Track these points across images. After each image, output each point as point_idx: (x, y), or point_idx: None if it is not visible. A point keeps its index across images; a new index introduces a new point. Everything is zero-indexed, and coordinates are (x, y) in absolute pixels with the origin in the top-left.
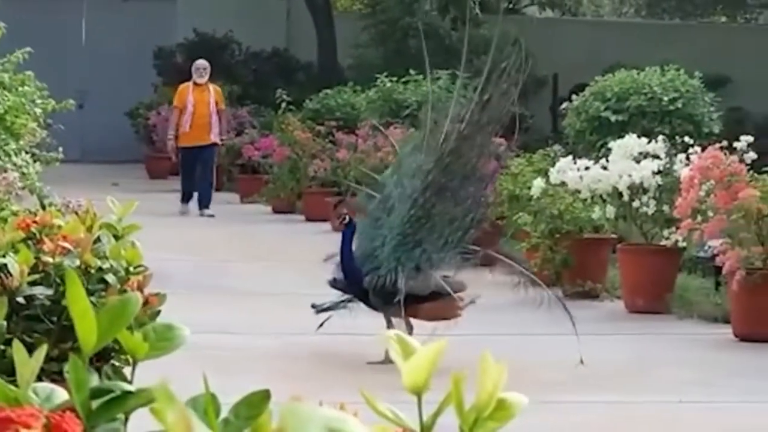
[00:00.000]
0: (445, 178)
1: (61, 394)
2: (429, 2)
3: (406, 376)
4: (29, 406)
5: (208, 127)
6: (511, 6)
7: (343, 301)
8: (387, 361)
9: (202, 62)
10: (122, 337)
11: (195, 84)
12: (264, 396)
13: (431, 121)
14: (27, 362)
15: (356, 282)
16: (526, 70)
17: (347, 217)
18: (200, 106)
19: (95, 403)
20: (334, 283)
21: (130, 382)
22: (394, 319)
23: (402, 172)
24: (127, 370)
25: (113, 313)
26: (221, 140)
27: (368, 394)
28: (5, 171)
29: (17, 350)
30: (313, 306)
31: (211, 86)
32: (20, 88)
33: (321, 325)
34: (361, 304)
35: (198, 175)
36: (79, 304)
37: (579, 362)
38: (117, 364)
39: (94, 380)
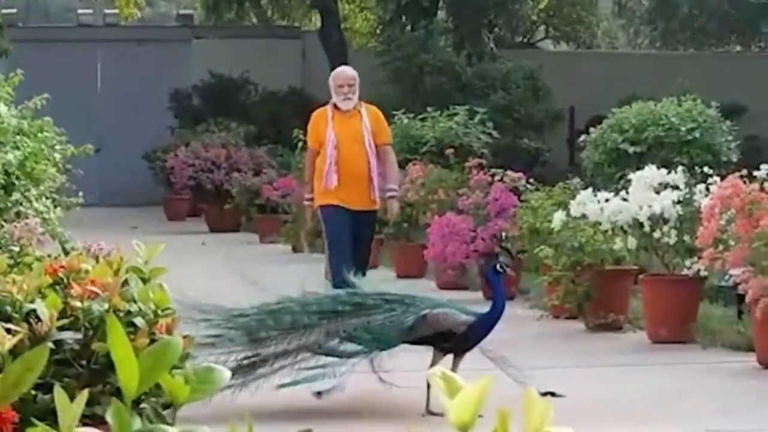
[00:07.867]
0: None
1: None
2: (444, 38)
3: (453, 414)
4: None
5: (364, 178)
6: (525, 40)
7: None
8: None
9: (345, 73)
10: (164, 380)
11: (336, 109)
12: None
13: None
14: (69, 408)
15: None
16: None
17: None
18: (348, 144)
19: None
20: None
21: (172, 425)
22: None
23: None
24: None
25: (155, 357)
26: (392, 193)
27: None
28: (26, 217)
29: (59, 396)
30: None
31: (364, 109)
32: (39, 134)
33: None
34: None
35: (350, 252)
36: (120, 349)
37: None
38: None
39: (137, 424)
